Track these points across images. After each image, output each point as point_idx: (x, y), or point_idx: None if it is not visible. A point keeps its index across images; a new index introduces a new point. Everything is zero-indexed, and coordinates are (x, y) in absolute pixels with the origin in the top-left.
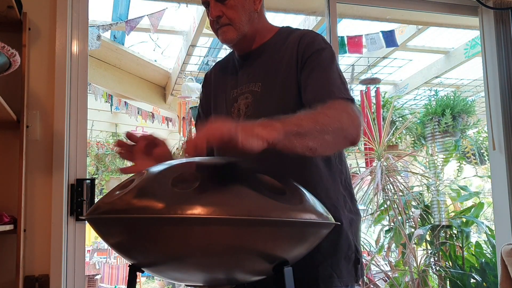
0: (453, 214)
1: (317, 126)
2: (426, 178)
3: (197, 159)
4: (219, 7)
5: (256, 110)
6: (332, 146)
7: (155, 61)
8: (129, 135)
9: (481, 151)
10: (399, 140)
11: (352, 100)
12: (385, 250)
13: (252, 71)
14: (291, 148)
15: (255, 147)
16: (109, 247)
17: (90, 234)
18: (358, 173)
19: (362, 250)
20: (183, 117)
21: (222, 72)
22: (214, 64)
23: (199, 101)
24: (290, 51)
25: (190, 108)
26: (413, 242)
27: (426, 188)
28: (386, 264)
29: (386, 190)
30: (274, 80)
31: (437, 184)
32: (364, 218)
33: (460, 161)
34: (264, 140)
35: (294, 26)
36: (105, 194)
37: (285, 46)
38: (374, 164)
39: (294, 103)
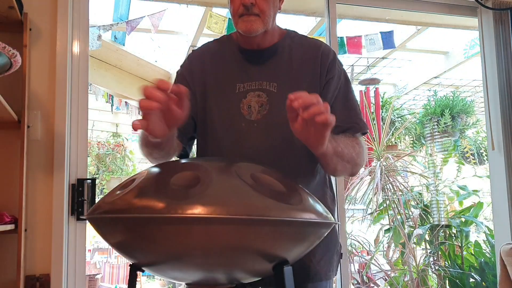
0: (452, 213)
1: (350, 155)
2: (426, 178)
3: (196, 159)
4: None
5: (273, 110)
6: (345, 173)
7: (156, 61)
8: (161, 84)
9: (480, 151)
10: (399, 140)
11: (367, 131)
12: (385, 249)
13: (265, 69)
14: (326, 163)
15: (321, 148)
16: (109, 247)
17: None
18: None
19: (361, 249)
20: None
21: (220, 60)
22: (204, 45)
23: (177, 79)
24: (312, 62)
25: None
26: (413, 241)
27: (425, 188)
28: (385, 263)
29: (386, 190)
30: (295, 85)
31: (436, 184)
32: (363, 217)
33: (459, 161)
34: (326, 148)
35: (294, 26)
36: (105, 193)
37: (302, 53)
38: (373, 164)
39: None
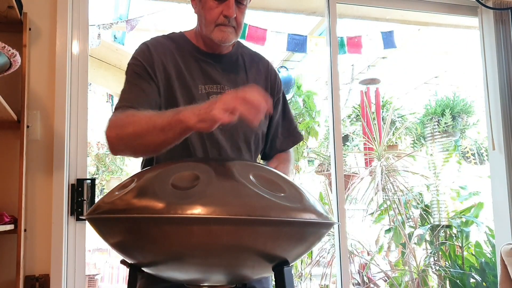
0: (453, 214)
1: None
2: (426, 178)
3: (196, 159)
4: (235, 9)
5: None
6: None
7: None
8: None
9: (481, 151)
10: (399, 140)
11: (303, 139)
12: (385, 250)
13: (226, 74)
14: None
15: None
16: (109, 247)
17: None
18: (358, 173)
19: (361, 249)
20: None
21: (180, 58)
22: (156, 40)
23: (137, 69)
24: (264, 76)
25: None
26: (413, 242)
27: (426, 188)
28: (386, 264)
29: (386, 190)
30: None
31: (436, 184)
32: (364, 217)
33: (458, 161)
34: None
35: (294, 25)
36: (105, 194)
37: (255, 65)
38: (374, 164)
39: (264, 122)
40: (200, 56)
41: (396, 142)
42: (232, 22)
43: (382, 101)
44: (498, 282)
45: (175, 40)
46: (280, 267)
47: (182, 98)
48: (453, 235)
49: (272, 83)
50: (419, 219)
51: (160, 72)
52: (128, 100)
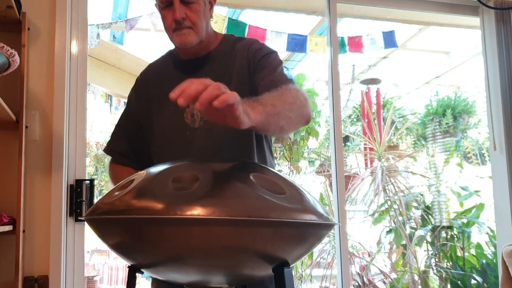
0: (454, 214)
1: (286, 105)
2: (427, 178)
3: (196, 159)
4: (184, 9)
5: None
6: (295, 124)
7: None
8: None
9: (482, 151)
10: (400, 141)
11: (292, 81)
12: (386, 251)
13: (203, 77)
14: (266, 128)
15: (243, 125)
16: (108, 248)
17: None
18: (358, 174)
19: (362, 251)
20: None
21: (161, 76)
22: (150, 64)
23: (127, 104)
24: (240, 59)
25: None
26: (414, 242)
27: (427, 188)
28: (386, 265)
29: (387, 190)
30: (233, 89)
31: (437, 185)
32: (364, 218)
33: (459, 163)
34: (252, 121)
35: (294, 25)
36: (104, 194)
37: (234, 54)
38: (374, 164)
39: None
40: (180, 66)
41: (397, 143)
42: (185, 23)
43: (383, 101)
44: (499, 283)
45: (165, 59)
46: (280, 268)
47: (160, 115)
48: (454, 236)
49: (249, 56)
50: (420, 220)
51: (143, 97)
52: (110, 143)
